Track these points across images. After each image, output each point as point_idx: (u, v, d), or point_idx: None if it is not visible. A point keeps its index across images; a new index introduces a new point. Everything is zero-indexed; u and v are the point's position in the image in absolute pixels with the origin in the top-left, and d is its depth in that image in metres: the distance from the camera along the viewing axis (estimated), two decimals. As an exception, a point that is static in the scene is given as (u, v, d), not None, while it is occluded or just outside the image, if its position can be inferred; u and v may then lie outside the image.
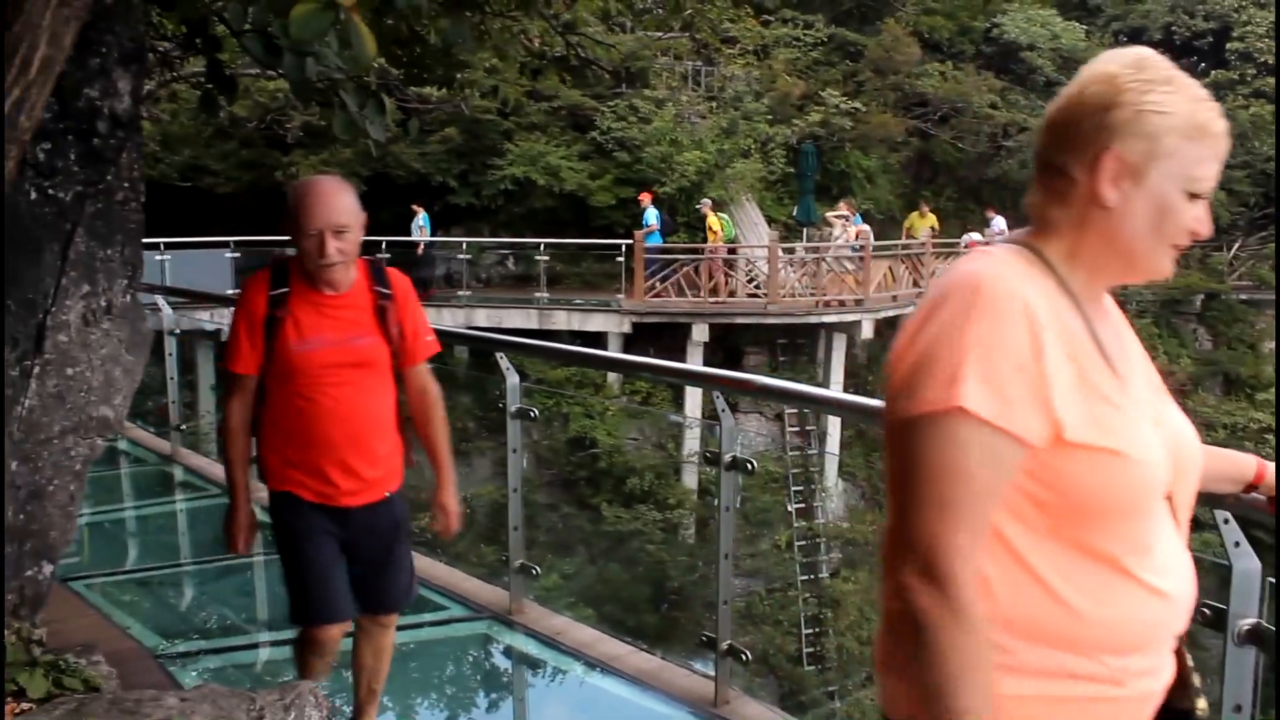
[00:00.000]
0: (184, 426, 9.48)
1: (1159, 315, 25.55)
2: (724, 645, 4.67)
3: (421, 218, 22.54)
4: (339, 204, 3.11)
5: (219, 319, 12.40)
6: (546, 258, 21.34)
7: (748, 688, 5.43)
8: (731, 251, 21.51)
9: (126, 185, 3.23)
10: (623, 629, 15.01)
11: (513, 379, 5.64)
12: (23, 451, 3.07)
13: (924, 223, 23.66)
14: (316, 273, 3.14)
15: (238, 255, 21.17)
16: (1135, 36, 29.30)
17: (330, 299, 3.21)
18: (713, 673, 4.73)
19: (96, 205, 3.13)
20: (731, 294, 20.81)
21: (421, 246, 22.38)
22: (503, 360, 5.71)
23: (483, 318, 20.26)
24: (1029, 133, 26.17)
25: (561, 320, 20.34)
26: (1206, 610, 2.52)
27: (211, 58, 3.83)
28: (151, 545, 7.61)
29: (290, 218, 3.10)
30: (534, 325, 20.05)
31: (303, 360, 3.16)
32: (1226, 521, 2.57)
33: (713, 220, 20.96)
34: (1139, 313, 25.00)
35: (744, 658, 4.78)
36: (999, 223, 24.36)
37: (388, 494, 3.40)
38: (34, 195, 2.96)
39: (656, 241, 20.89)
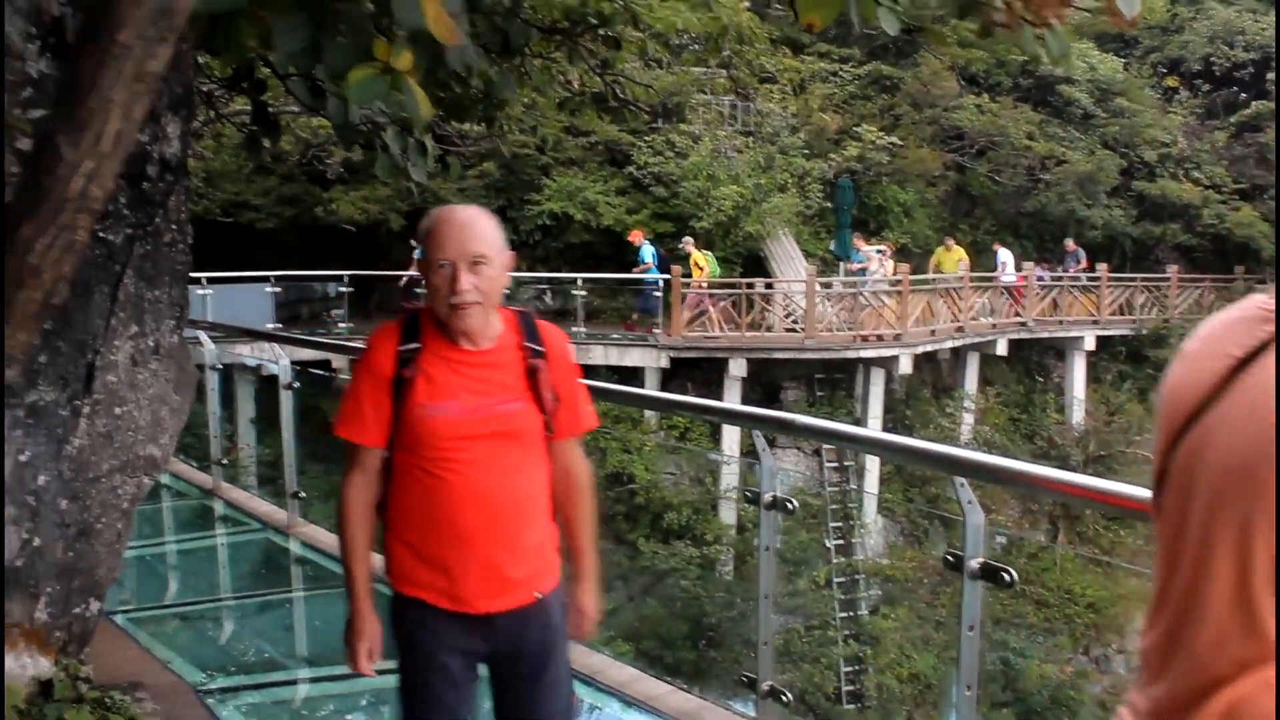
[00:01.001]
0: (225, 461, 9.56)
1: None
2: (765, 686, 4.64)
3: (419, 252, 22.61)
4: (476, 231, 2.60)
5: (259, 353, 12.54)
6: (584, 292, 21.42)
7: (787, 728, 5.38)
8: (771, 287, 21.54)
9: (174, 227, 3.27)
10: (660, 665, 14.92)
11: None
12: (72, 490, 3.10)
13: (951, 257, 23.43)
14: (449, 317, 2.60)
15: (278, 290, 21.42)
16: (1174, 68, 29.20)
17: (469, 355, 2.67)
18: (753, 713, 4.70)
19: (145, 247, 3.17)
20: (769, 329, 20.80)
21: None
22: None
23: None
24: (1067, 165, 26.06)
25: (599, 355, 20.37)
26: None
27: (256, 100, 3.90)
28: (192, 579, 7.65)
29: (420, 251, 2.66)
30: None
31: (431, 427, 2.61)
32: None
33: (697, 256, 21.02)
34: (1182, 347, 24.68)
35: (784, 699, 4.75)
36: (1004, 254, 24.12)
37: (538, 595, 2.76)
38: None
39: (655, 274, 21.13)
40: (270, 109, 4.38)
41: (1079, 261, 25.15)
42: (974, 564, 3.86)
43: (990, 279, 23.56)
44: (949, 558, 4.01)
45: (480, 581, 2.67)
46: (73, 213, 0.87)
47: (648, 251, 21.33)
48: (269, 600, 7.10)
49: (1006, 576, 3.86)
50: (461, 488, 2.62)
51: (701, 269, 20.86)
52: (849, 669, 18.80)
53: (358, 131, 3.49)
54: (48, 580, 3.11)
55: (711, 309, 20.52)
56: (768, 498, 4.78)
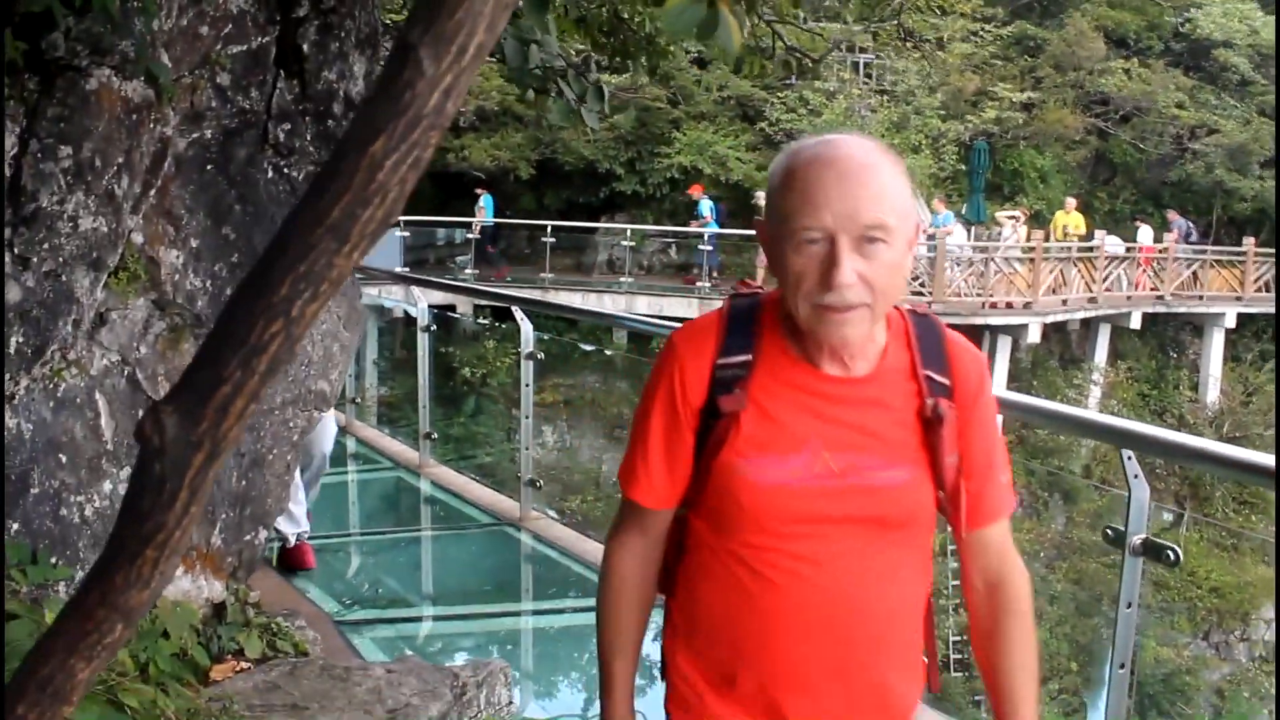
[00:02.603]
0: (357, 400, 9.78)
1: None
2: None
3: (484, 200, 22.76)
4: (874, 185, 1.53)
5: (386, 294, 12.82)
6: (710, 247, 21.33)
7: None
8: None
9: (352, 166, 3.29)
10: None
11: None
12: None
13: (1065, 220, 22.25)
14: (812, 320, 1.56)
15: (406, 234, 21.77)
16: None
17: (833, 385, 1.62)
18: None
19: (325, 185, 3.20)
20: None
21: (478, 227, 22.53)
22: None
23: (644, 305, 20.38)
24: (1219, 134, 24.97)
25: (723, 310, 20.28)
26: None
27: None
28: (327, 514, 7.84)
29: (770, 206, 1.62)
30: (694, 314, 19.99)
31: (757, 496, 1.61)
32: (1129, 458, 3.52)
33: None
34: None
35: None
36: (1111, 240, 22.92)
37: None
38: (271, 173, 3.06)
39: (714, 229, 21.30)
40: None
41: (1176, 231, 23.82)
42: (1136, 540, 3.77)
43: (1131, 249, 22.75)
44: (1109, 532, 3.92)
45: None
46: (425, 129, 0.83)
47: (706, 206, 21.55)
48: (400, 538, 7.25)
49: (1171, 554, 3.76)
50: (797, 598, 1.62)
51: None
52: (958, 638, 18.61)
53: (533, 76, 3.47)
54: (223, 507, 3.21)
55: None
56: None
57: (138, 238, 2.71)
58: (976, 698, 18.54)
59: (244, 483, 3.25)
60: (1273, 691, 20.27)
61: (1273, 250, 24.69)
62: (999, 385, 20.41)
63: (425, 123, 0.82)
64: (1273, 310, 24.02)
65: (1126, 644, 3.97)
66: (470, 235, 22.59)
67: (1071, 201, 22.92)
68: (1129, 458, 3.81)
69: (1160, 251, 22.81)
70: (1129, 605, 3.89)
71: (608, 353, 19.36)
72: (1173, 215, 24.24)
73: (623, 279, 21.49)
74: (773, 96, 23.33)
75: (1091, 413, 4.68)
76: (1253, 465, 3.27)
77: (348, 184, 0.82)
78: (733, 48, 1.85)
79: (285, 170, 3.10)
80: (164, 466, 0.91)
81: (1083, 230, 22.36)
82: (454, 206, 23.47)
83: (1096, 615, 20.21)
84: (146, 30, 2.42)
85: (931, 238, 21.00)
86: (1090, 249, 21.68)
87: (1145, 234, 23.53)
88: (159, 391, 2.88)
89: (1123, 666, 4.00)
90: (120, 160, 2.50)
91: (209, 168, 2.89)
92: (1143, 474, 3.86)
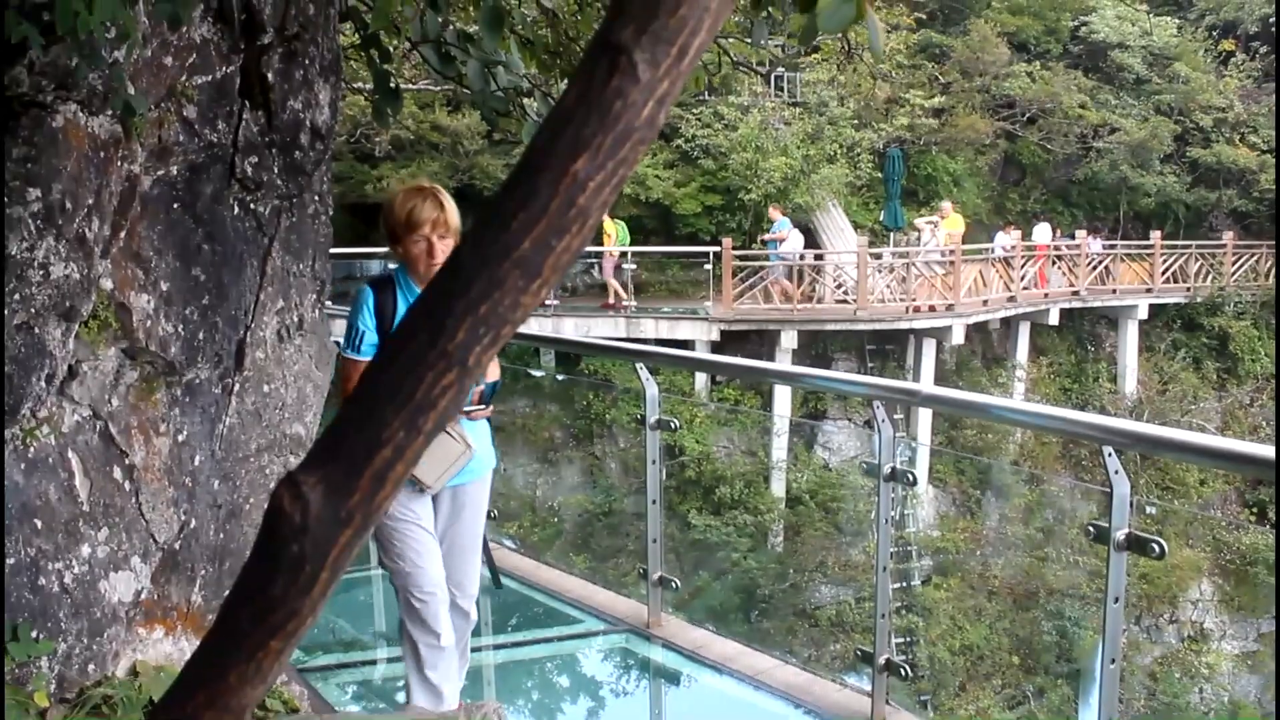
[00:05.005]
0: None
1: (1258, 316, 24.86)
2: (881, 660, 4.57)
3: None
4: None
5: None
6: (633, 266, 21.27)
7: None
8: (821, 258, 21.35)
9: (318, 199, 3.16)
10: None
11: (651, 389, 5.57)
12: (223, 470, 3.01)
13: (948, 226, 22.23)
14: None
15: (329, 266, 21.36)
16: (1229, 31, 28.56)
17: None
18: (868, 687, 4.64)
19: (291, 219, 3.06)
20: (819, 300, 20.66)
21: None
22: (642, 370, 5.63)
23: (570, 327, 20.24)
24: (1120, 133, 25.61)
25: (649, 328, 20.23)
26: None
27: (379, 70, 3.75)
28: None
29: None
30: (621, 333, 19.95)
31: None
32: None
33: (607, 225, 20.92)
34: (1237, 314, 24.34)
35: (903, 673, 4.67)
36: (1000, 238, 23.40)
37: None
38: (237, 209, 2.90)
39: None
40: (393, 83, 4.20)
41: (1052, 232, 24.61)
42: (1120, 535, 3.78)
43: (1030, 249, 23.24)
44: (1090, 529, 3.94)
45: None
46: (635, 144, 0.71)
47: None
48: (352, 578, 7.04)
49: (1156, 547, 3.77)
50: None
51: (610, 236, 20.83)
52: (900, 640, 18.77)
53: (496, 99, 3.35)
54: (202, 563, 3.03)
55: (769, 284, 20.33)
56: (886, 469, 4.71)
57: (107, 283, 2.54)
58: (922, 697, 18.72)
59: (221, 535, 3.07)
60: (1203, 671, 20.83)
61: (1181, 243, 25.38)
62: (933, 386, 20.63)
63: (636, 136, 0.70)
64: (1181, 300, 24.67)
65: (1115, 639, 3.98)
66: (393, 266, 22.23)
67: (947, 205, 23.11)
68: (1110, 454, 3.82)
69: (1055, 249, 23.41)
70: (1115, 600, 3.89)
71: (536, 374, 19.22)
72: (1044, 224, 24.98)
73: (549, 301, 21.31)
74: (687, 113, 23.38)
75: (1070, 411, 4.71)
76: (1252, 458, 3.27)
77: (543, 209, 0.69)
78: (879, 47, 1.77)
79: (251, 206, 2.94)
80: (304, 547, 0.78)
81: (961, 232, 22.54)
82: (374, 238, 23.13)
83: (1034, 608, 20.51)
84: (119, 61, 2.26)
85: (771, 244, 20.99)
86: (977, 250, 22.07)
87: (1043, 232, 24.08)
88: (133, 446, 2.71)
89: (1113, 661, 4.00)
90: (90, 201, 2.33)
91: (175, 206, 2.72)
92: (1123, 469, 3.87)
